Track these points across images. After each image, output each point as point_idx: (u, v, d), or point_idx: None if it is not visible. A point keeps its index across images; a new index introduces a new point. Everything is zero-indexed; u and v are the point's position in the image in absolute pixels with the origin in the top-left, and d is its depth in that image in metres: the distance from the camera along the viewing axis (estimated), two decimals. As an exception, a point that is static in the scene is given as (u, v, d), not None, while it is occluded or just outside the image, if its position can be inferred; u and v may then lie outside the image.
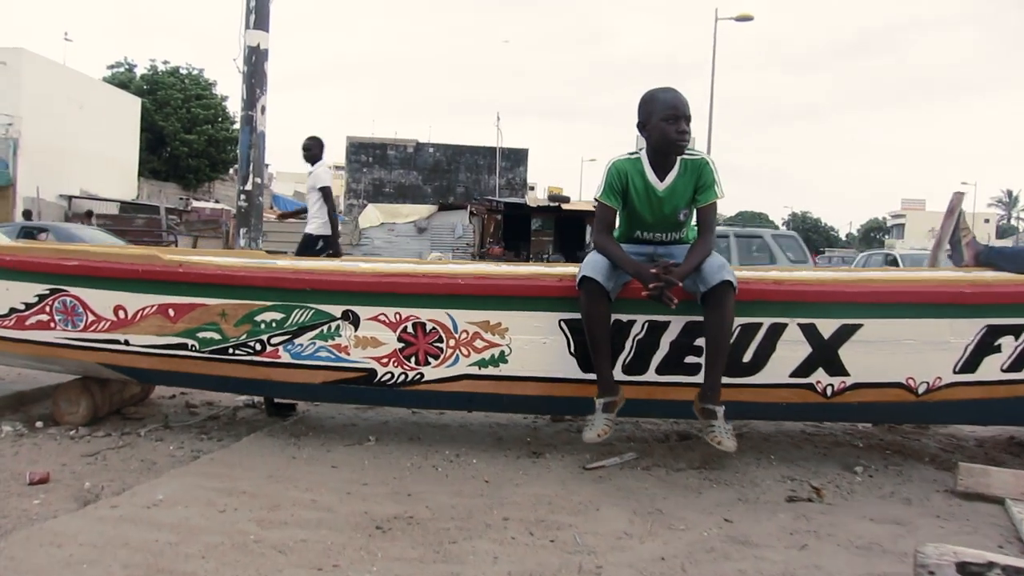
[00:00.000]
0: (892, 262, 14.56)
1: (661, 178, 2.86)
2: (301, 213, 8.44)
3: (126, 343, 3.07)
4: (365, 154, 38.82)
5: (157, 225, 20.95)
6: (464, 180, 39.19)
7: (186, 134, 30.93)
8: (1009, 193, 74.67)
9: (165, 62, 32.91)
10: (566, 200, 20.48)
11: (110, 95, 27.04)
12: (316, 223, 6.48)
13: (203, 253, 4.02)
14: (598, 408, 2.78)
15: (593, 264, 2.72)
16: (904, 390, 2.93)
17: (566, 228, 20.24)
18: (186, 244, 19.27)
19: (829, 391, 2.93)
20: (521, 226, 20.41)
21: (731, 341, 2.74)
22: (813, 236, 75.91)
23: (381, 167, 38.75)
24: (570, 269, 2.95)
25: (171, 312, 3.00)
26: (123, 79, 31.23)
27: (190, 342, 3.03)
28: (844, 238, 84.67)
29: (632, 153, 2.92)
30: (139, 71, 32.62)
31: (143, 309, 3.01)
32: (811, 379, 2.92)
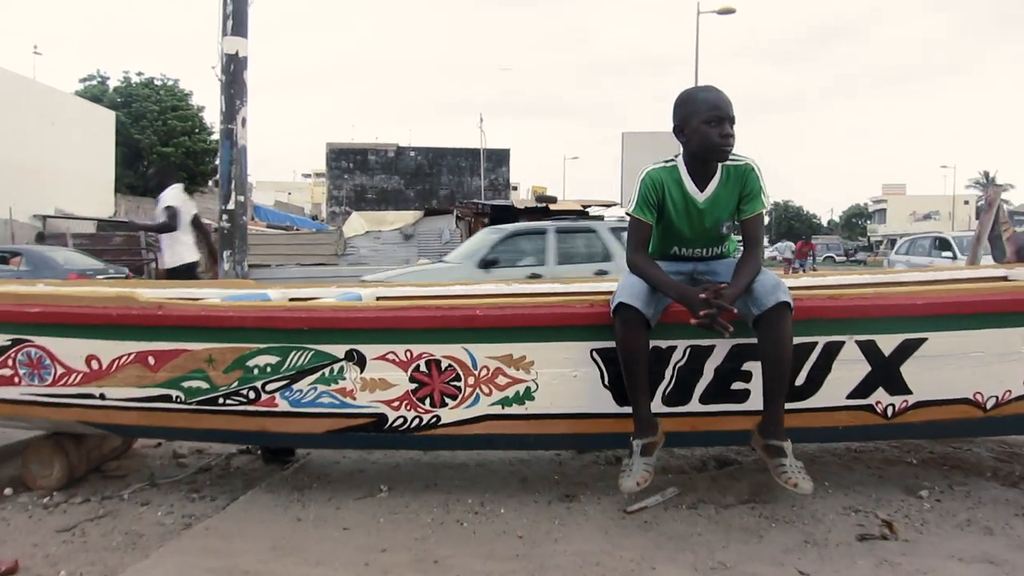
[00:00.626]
0: (943, 245, 13.93)
1: (701, 188, 2.55)
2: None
3: (101, 397, 2.72)
4: (346, 160, 38.42)
5: (136, 243, 20.44)
6: (447, 183, 38.88)
7: (163, 147, 30.32)
8: (986, 174, 75.12)
9: (139, 73, 32.33)
10: (553, 200, 20.16)
11: (83, 109, 26.41)
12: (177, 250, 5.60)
13: (186, 286, 3.68)
14: (635, 451, 2.46)
15: (630, 288, 2.40)
16: (971, 406, 2.65)
17: (554, 228, 19.89)
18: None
19: (890, 411, 2.64)
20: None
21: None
22: (796, 224, 76.20)
23: (362, 173, 38.38)
24: (602, 286, 2.63)
25: (151, 360, 2.66)
26: (96, 92, 30.58)
27: (175, 393, 2.69)
28: (826, 225, 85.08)
29: (667, 161, 2.61)
30: (112, 84, 31.99)
31: (119, 358, 2.67)
32: (870, 400, 2.63)
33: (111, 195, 27.41)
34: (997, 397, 2.63)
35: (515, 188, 48.97)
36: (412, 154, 39.11)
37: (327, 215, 38.15)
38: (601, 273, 8.09)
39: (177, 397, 2.69)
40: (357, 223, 19.75)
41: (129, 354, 2.66)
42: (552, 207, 19.20)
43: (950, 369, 2.59)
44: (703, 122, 2.43)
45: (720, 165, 2.53)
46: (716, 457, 3.25)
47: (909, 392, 2.61)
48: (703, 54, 18.67)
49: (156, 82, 32.08)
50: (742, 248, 2.60)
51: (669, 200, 2.55)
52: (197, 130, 31.84)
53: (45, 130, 22.78)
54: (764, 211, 2.56)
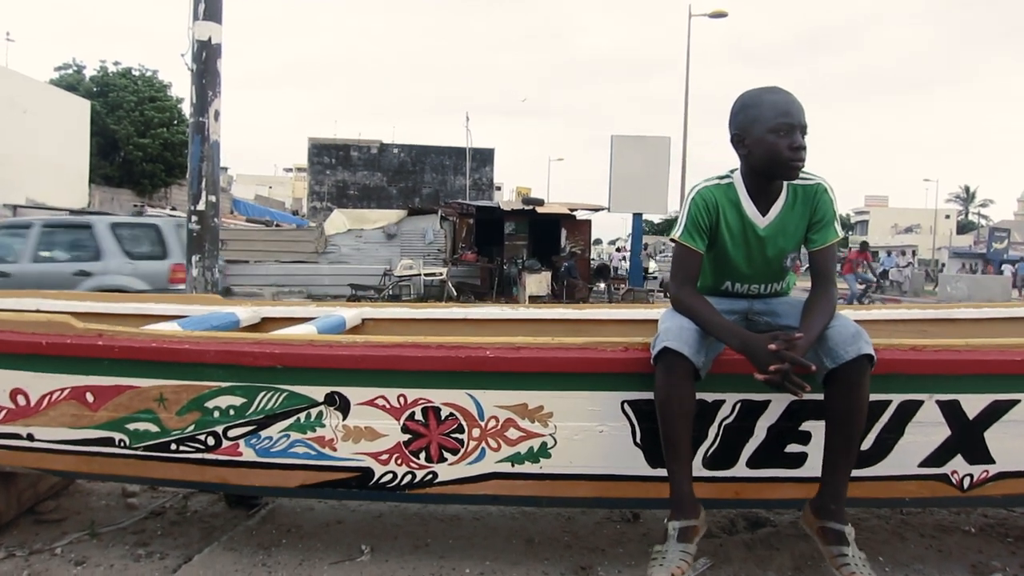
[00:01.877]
0: None
1: (763, 211, 2.13)
2: None
3: (29, 438, 2.27)
4: (328, 155, 37.76)
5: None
6: (430, 181, 38.36)
7: (140, 138, 29.50)
8: (967, 189, 75.84)
9: (116, 63, 31.46)
10: (540, 203, 19.75)
11: (57, 98, 25.58)
12: None
13: (140, 301, 3.21)
14: (671, 536, 1.99)
15: (678, 332, 1.97)
16: (1061, 477, 2.26)
17: (541, 232, 19.49)
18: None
19: (967, 483, 2.25)
20: (494, 230, 19.60)
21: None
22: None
23: (344, 169, 37.76)
24: (651, 314, 2.20)
25: (90, 397, 2.20)
26: (71, 81, 29.70)
27: (117, 436, 2.23)
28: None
29: (723, 177, 2.18)
30: (88, 73, 31.08)
31: (51, 394, 2.21)
32: (945, 469, 2.23)
33: (85, 185, 26.63)
34: (1089, 467, 2.25)
35: (499, 188, 48.49)
36: (396, 151, 38.52)
37: (308, 211, 37.50)
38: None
39: (121, 441, 2.24)
40: (339, 220, 19.21)
41: (63, 389, 2.21)
42: (539, 210, 18.79)
43: (1042, 435, 2.19)
44: (769, 131, 2.00)
45: (786, 185, 2.11)
46: (745, 516, 2.83)
47: (991, 461, 2.21)
48: (691, 58, 18.35)
49: (134, 72, 31.23)
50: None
51: (724, 225, 2.13)
52: (175, 121, 31.04)
53: (18, 118, 22.06)
54: (838, 241, 2.14)
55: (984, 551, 2.59)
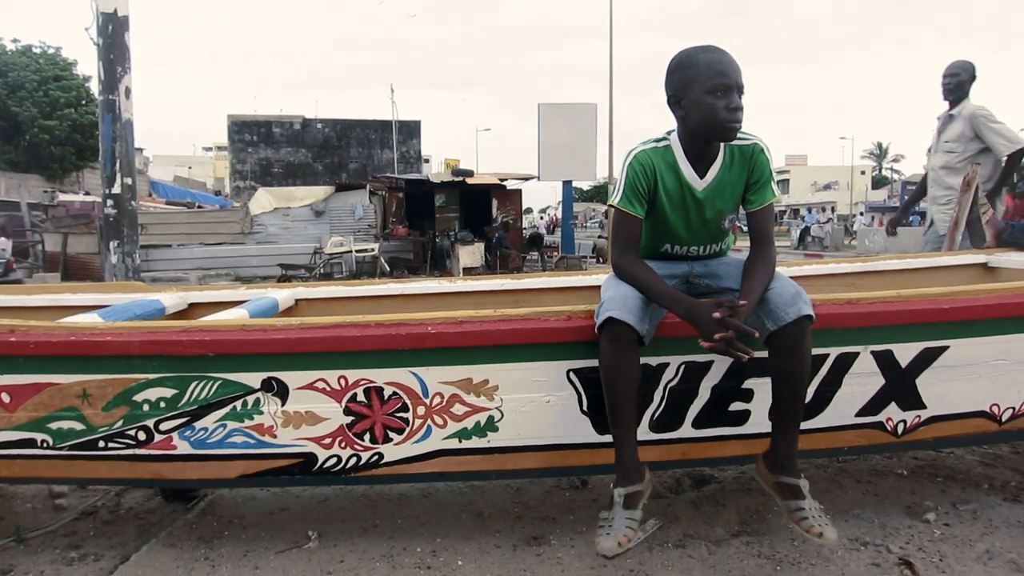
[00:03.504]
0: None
1: (701, 173, 2.11)
2: None
3: (-59, 444, 2.12)
4: (249, 133, 36.65)
5: (19, 223, 18.75)
6: (357, 156, 37.68)
7: (45, 120, 27.95)
8: (879, 145, 78.65)
9: (15, 40, 29.62)
10: (470, 174, 19.59)
11: (-49, 80, 24.08)
12: None
13: (56, 290, 3.04)
14: (617, 503, 1.97)
15: (621, 299, 1.95)
16: (987, 419, 2.35)
17: (472, 203, 19.38)
18: (55, 243, 17.32)
19: (901, 428, 2.32)
20: (424, 203, 19.39)
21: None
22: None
23: (267, 146, 36.74)
24: (590, 280, 2.18)
25: (5, 397, 2.07)
26: (-34, 61, 27.94)
27: (40, 437, 2.11)
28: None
29: (659, 140, 2.14)
30: (-15, 52, 29.28)
31: (-38, 396, 2.07)
32: (881, 417, 2.29)
33: (-11, 171, 25.22)
34: (1014, 408, 2.35)
35: (427, 161, 47.96)
36: (319, 126, 37.63)
37: (231, 190, 36.42)
38: None
39: (43, 442, 2.12)
40: (264, 199, 18.70)
41: (-25, 390, 2.06)
42: (469, 181, 18.66)
43: (968, 380, 2.27)
44: (706, 92, 1.97)
45: (724, 146, 2.10)
46: (691, 475, 2.88)
47: (923, 407, 2.29)
48: (614, 26, 18.37)
49: (35, 50, 29.52)
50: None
51: (662, 188, 2.11)
52: (84, 102, 29.53)
53: (-92, 101, 20.64)
54: (775, 201, 2.15)
55: (917, 492, 2.70)
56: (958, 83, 4.26)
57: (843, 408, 2.26)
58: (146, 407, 2.08)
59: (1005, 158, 4.09)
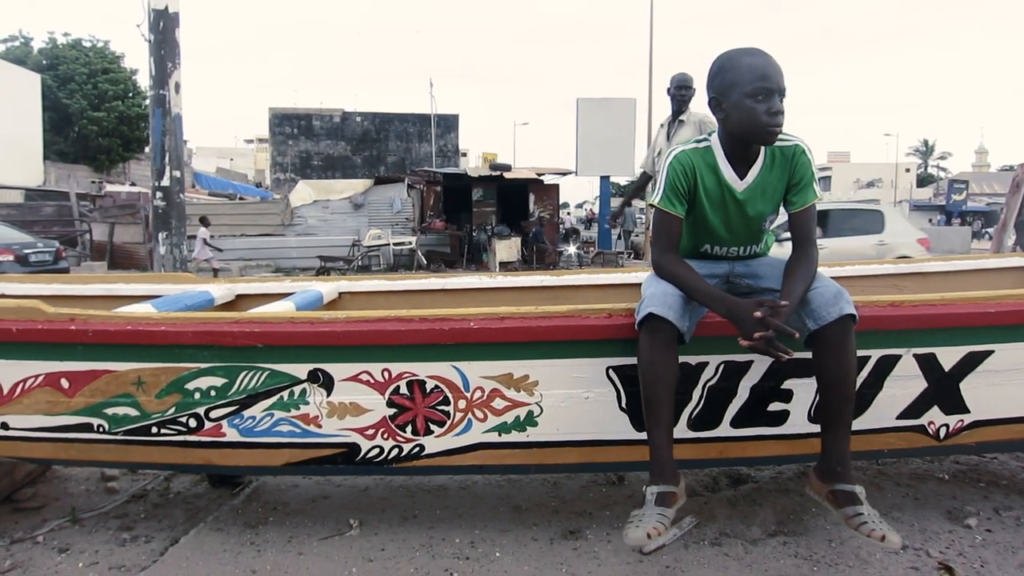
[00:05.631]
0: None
1: (741, 174, 2.12)
2: None
3: (4, 426, 2.22)
4: (289, 125, 37.14)
5: (68, 213, 19.26)
6: (395, 149, 37.97)
7: (94, 112, 28.62)
8: (925, 142, 76.86)
9: (65, 34, 30.38)
10: (507, 168, 19.61)
11: (4, 72, 24.69)
12: None
13: (112, 281, 3.14)
14: (649, 500, 1.97)
15: (661, 297, 1.97)
16: (1032, 424, 2.32)
17: (509, 197, 19.40)
18: (102, 232, 17.76)
19: (943, 432, 2.30)
20: (462, 197, 19.48)
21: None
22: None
23: (307, 138, 37.20)
24: (629, 278, 2.20)
25: (65, 383, 2.16)
26: (19, 54, 28.66)
27: (96, 421, 2.19)
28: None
29: (699, 141, 2.16)
30: (36, 45, 30.04)
31: (24, 381, 2.16)
32: (922, 420, 2.28)
33: (40, 162, 25.87)
34: (1060, 413, 2.32)
35: (465, 155, 48.12)
36: (359, 119, 37.99)
37: (272, 182, 36.94)
38: None
39: (99, 426, 2.20)
40: (304, 192, 18.96)
41: (36, 376, 2.15)
42: (506, 175, 18.69)
43: (1014, 385, 2.25)
44: (747, 95, 1.97)
45: (764, 147, 2.11)
46: (728, 474, 2.88)
47: (966, 411, 2.27)
48: (646, 19, 18.17)
49: (84, 43, 30.21)
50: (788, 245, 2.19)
51: (702, 189, 2.12)
52: (131, 94, 30.18)
53: (-36, 95, 21.29)
54: (817, 202, 2.15)
55: (958, 496, 2.67)
56: (691, 96, 4.92)
57: (884, 410, 2.24)
58: (197, 395, 2.15)
59: None
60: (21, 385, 2.17)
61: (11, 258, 11.17)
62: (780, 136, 2.05)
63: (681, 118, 4.95)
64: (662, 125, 5.15)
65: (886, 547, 1.92)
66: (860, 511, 1.96)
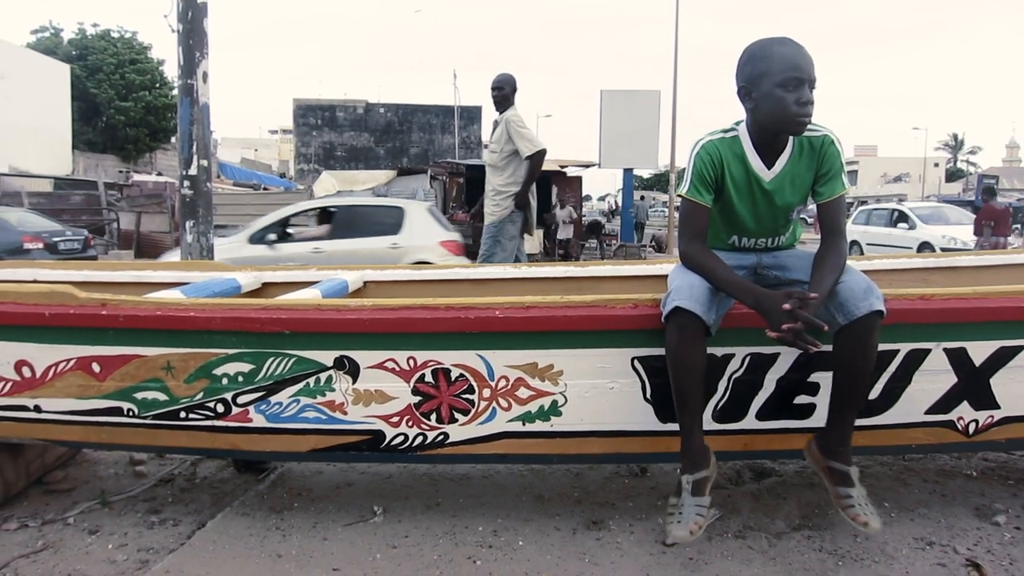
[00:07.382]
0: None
1: (769, 164, 2.10)
2: None
3: (36, 409, 2.26)
4: (313, 116, 37.39)
5: (96, 202, 19.51)
6: (418, 140, 38.09)
7: (122, 102, 28.96)
8: (955, 136, 75.65)
9: (95, 25, 30.72)
10: (530, 160, 19.54)
11: (35, 63, 25.06)
12: None
13: (141, 268, 3.18)
14: (685, 489, 2.02)
15: (688, 289, 1.96)
16: (1065, 421, 2.29)
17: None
18: (128, 221, 17.97)
19: (972, 428, 2.27)
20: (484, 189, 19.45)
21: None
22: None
23: (331, 129, 37.43)
24: (653, 270, 2.20)
25: (96, 367, 2.19)
26: (49, 45, 29.07)
27: (126, 405, 2.22)
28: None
29: (727, 131, 2.13)
30: (66, 36, 30.42)
31: (56, 365, 2.20)
32: (951, 415, 2.25)
33: (68, 152, 26.23)
34: (1094, 410, 2.28)
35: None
36: (382, 111, 38.16)
37: (295, 173, 37.24)
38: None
39: (129, 410, 2.23)
40: (328, 182, 19.04)
41: (68, 360, 2.19)
42: (529, 168, 18.63)
43: (1047, 380, 2.21)
44: (777, 85, 1.95)
45: (792, 137, 2.08)
46: (752, 467, 2.87)
47: (997, 406, 2.24)
48: (673, 11, 18.04)
49: (113, 34, 30.54)
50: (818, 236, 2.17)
51: (729, 178, 2.10)
52: (158, 84, 30.48)
53: (-4, 85, 21.66)
54: (845, 193, 2.12)
55: (986, 494, 2.64)
56: (503, 96, 5.01)
57: (912, 405, 2.22)
58: (225, 380, 2.18)
59: (527, 158, 4.85)
60: (53, 369, 2.20)
61: (41, 246, 11.34)
62: (809, 126, 2.03)
63: (496, 119, 5.08)
64: (494, 121, 5.26)
65: (867, 532, 2.03)
66: (850, 493, 2.03)
